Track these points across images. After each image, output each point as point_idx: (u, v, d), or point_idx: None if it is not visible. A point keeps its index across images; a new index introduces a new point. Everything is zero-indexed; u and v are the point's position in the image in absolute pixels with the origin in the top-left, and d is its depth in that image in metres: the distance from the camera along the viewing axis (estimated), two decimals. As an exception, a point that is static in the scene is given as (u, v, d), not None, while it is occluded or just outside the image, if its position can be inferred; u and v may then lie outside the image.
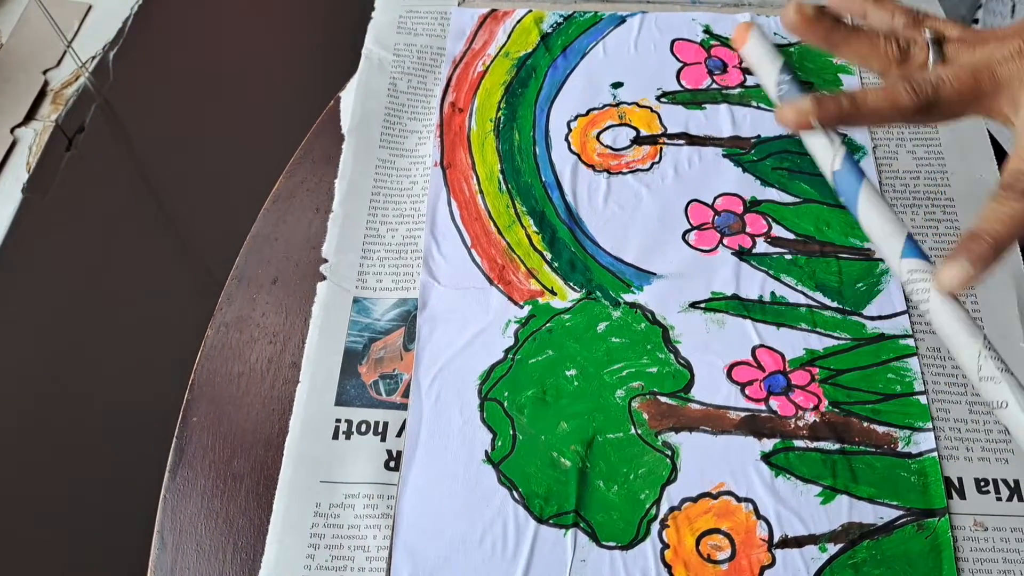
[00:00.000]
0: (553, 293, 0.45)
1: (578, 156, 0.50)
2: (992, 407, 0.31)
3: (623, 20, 0.56)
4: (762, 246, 0.47)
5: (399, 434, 0.41)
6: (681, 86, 0.53)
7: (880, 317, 0.44)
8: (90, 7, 0.57)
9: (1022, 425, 0.30)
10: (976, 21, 0.82)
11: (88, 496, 0.61)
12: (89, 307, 0.58)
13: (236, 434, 0.42)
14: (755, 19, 0.55)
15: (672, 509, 0.39)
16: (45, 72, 0.53)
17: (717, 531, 0.39)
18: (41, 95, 0.52)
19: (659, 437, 0.41)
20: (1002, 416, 0.31)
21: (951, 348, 0.36)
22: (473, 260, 0.46)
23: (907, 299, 0.44)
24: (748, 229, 0.47)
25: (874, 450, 0.41)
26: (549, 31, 0.55)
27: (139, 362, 0.64)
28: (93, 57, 0.54)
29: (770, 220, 0.48)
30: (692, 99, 0.52)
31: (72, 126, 0.53)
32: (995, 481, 0.40)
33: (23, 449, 0.54)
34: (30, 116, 0.51)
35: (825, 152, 0.43)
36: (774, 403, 0.42)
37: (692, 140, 0.51)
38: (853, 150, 0.50)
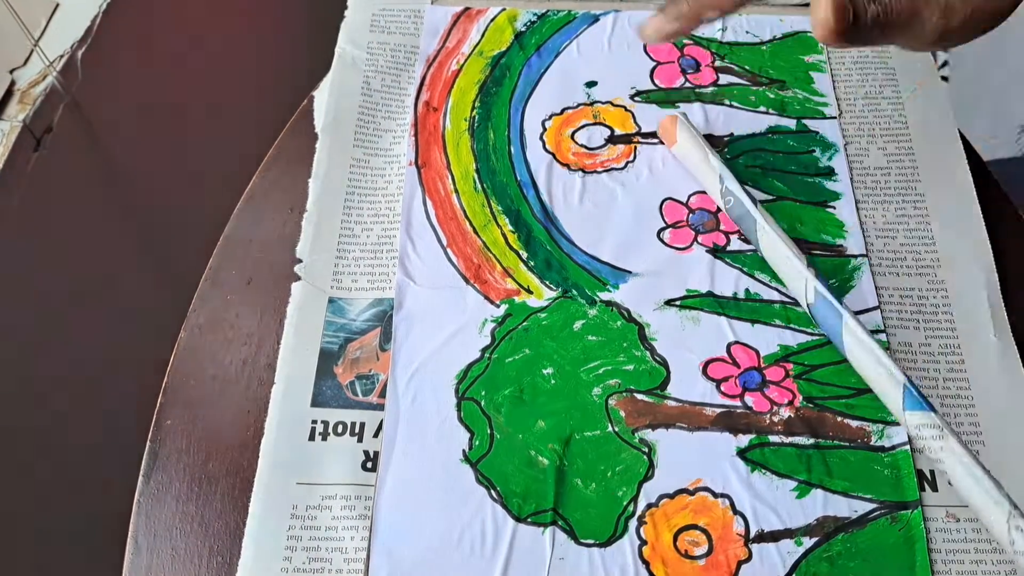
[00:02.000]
0: (529, 292, 0.45)
1: (553, 155, 0.50)
2: None
3: (596, 19, 0.56)
4: (736, 243, 0.47)
5: (376, 435, 0.41)
6: (655, 85, 0.53)
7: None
8: (57, 5, 0.56)
9: None
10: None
11: (60, 501, 0.60)
12: (59, 310, 0.58)
13: (211, 437, 0.42)
14: (725, 23, 0.56)
15: (649, 506, 0.39)
16: (12, 71, 0.52)
17: (694, 527, 0.39)
18: (8, 95, 0.51)
19: (636, 434, 0.41)
20: None
21: (976, 513, 0.36)
22: (449, 259, 0.46)
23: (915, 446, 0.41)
24: (722, 227, 0.48)
25: (848, 444, 0.41)
26: (523, 30, 0.55)
27: (111, 365, 0.64)
28: (61, 56, 0.53)
29: (744, 217, 0.48)
30: (666, 98, 0.52)
31: (40, 126, 0.52)
32: (966, 473, 0.40)
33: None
34: (-4, 116, 0.51)
35: (797, 280, 0.42)
36: (749, 399, 0.42)
37: (666, 138, 0.51)
38: (824, 148, 0.50)
